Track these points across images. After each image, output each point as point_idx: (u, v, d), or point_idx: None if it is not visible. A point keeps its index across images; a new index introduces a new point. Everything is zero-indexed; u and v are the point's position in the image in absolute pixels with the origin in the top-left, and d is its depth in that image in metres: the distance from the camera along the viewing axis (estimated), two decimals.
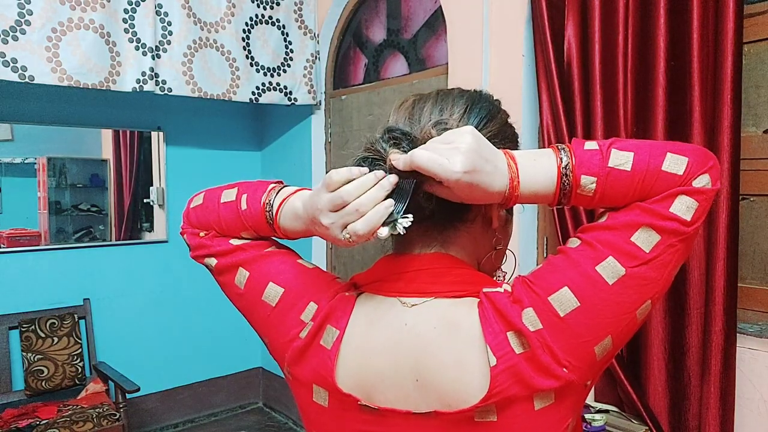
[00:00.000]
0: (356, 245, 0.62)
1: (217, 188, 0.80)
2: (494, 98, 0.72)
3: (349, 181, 0.60)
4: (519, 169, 0.61)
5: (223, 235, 0.77)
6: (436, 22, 2.77)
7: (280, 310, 0.71)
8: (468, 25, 2.41)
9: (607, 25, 1.88)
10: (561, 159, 0.61)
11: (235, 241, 0.76)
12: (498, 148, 0.63)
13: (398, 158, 0.61)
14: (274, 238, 0.78)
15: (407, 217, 0.61)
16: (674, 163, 0.59)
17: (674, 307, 1.79)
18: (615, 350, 0.62)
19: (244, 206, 0.73)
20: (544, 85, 2.05)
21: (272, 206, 0.71)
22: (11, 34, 2.35)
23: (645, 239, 0.59)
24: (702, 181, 0.59)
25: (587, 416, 1.83)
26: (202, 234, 0.78)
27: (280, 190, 0.73)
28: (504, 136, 0.69)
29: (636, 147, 0.61)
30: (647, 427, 1.81)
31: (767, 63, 1.75)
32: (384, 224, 0.60)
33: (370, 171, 0.62)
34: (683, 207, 0.59)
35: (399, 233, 0.61)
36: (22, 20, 2.38)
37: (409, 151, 0.60)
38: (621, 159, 0.60)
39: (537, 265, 2.26)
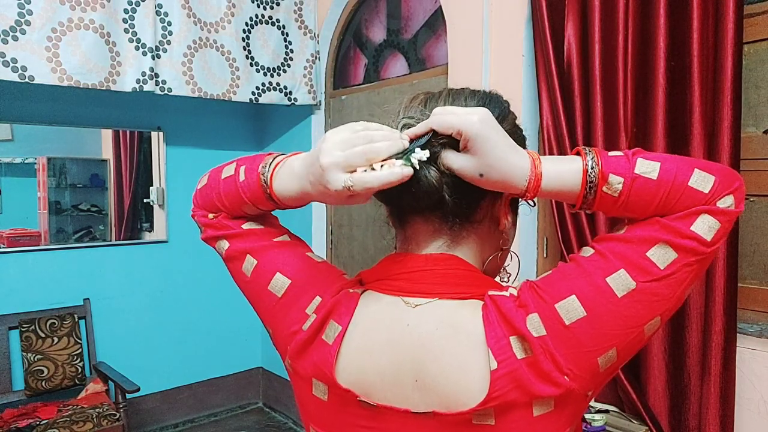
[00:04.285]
0: (351, 202, 0.61)
1: (220, 166, 0.78)
2: (504, 99, 0.72)
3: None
4: (542, 160, 0.61)
5: (232, 217, 0.76)
6: (436, 22, 2.77)
7: (285, 301, 0.71)
8: (468, 25, 2.41)
9: (607, 25, 1.88)
10: (586, 157, 0.61)
11: (246, 225, 0.75)
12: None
13: (418, 127, 0.61)
14: (286, 230, 0.78)
15: (424, 152, 0.60)
16: (701, 180, 0.58)
17: None
18: (620, 363, 0.61)
19: (242, 177, 0.72)
20: (544, 85, 2.05)
21: (267, 169, 0.70)
22: (11, 34, 2.35)
23: (661, 255, 0.58)
24: (726, 202, 0.58)
25: (587, 416, 1.83)
26: (210, 216, 0.77)
27: (276, 156, 0.72)
28: (516, 137, 0.68)
29: (663, 158, 0.60)
30: (647, 427, 1.81)
31: (767, 63, 1.75)
32: (397, 157, 0.59)
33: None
34: (705, 227, 0.58)
35: (413, 166, 0.59)
36: (22, 20, 2.38)
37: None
38: (647, 167, 0.59)
39: (536, 265, 2.27)
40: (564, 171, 0.61)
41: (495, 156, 0.59)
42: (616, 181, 0.59)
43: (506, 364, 0.58)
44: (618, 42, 1.85)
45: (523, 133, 0.72)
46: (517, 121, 0.72)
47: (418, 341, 0.63)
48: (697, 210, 0.58)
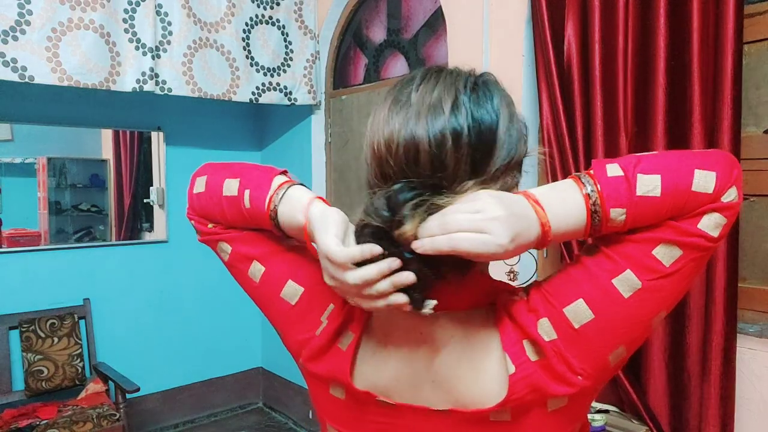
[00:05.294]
0: None
1: (218, 172, 0.75)
2: (489, 90, 0.63)
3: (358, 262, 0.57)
4: (547, 213, 0.58)
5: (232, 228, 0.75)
6: (436, 22, 2.77)
7: (300, 309, 0.71)
8: (468, 25, 2.41)
9: (607, 25, 1.88)
10: (587, 193, 0.59)
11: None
12: (503, 149, 0.61)
13: (424, 244, 0.56)
14: None
15: (431, 301, 0.58)
16: (703, 180, 0.58)
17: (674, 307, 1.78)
18: (627, 356, 0.63)
19: (247, 204, 0.70)
20: (544, 85, 2.05)
21: (278, 214, 0.68)
22: (11, 34, 2.35)
23: (666, 253, 0.58)
24: (731, 195, 0.59)
25: (587, 416, 1.83)
26: (210, 226, 0.76)
27: (284, 194, 0.68)
28: (512, 123, 0.63)
29: (662, 168, 0.59)
30: (647, 427, 1.81)
31: (767, 63, 1.75)
32: (406, 293, 0.58)
33: (381, 251, 0.57)
34: (712, 224, 0.58)
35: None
36: (22, 20, 2.38)
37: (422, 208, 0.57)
38: (649, 185, 0.58)
39: (536, 265, 2.27)
40: (571, 223, 0.59)
41: (516, 253, 0.58)
42: (618, 214, 0.58)
43: (523, 368, 0.60)
44: (618, 42, 1.85)
45: (516, 110, 0.66)
46: (506, 88, 0.66)
47: (433, 349, 0.64)
48: (704, 210, 0.58)
